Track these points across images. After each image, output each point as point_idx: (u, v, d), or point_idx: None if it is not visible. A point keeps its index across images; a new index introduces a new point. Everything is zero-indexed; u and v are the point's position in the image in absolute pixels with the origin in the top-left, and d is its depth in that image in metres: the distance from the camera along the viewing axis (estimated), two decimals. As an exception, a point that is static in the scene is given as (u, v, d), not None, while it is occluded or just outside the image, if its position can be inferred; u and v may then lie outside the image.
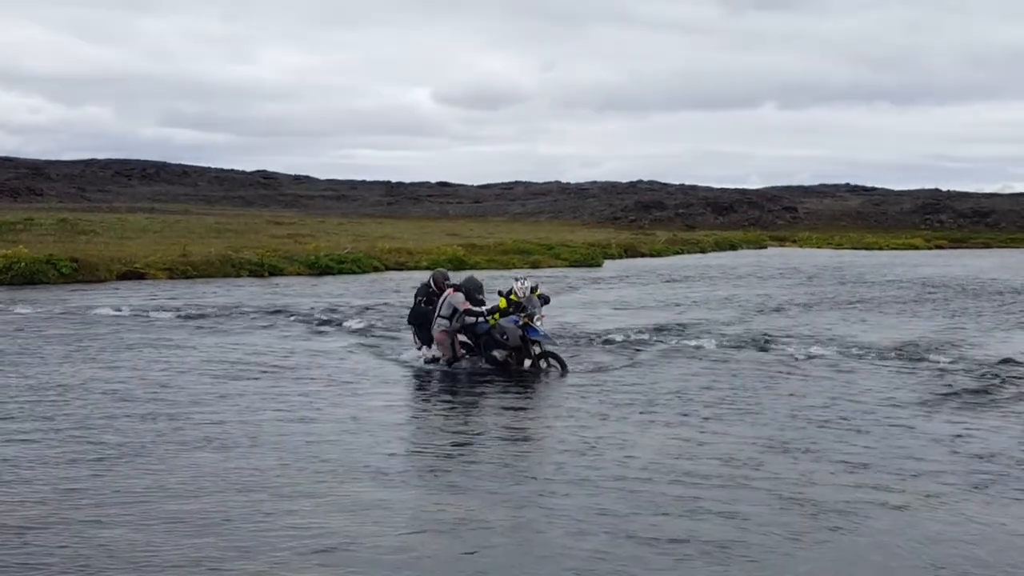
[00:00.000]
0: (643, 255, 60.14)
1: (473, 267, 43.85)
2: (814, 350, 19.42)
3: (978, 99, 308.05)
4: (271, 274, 37.04)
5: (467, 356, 16.90)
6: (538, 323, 16.65)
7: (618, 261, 54.31)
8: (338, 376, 15.90)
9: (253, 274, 36.56)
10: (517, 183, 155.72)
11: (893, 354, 19.05)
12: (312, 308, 25.74)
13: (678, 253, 64.30)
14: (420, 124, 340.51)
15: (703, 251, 68.36)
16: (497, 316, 16.65)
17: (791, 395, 14.86)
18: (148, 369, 16.03)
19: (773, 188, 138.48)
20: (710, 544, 8.23)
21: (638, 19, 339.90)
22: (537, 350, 16.62)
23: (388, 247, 46.68)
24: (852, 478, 10.23)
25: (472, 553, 7.99)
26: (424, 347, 17.31)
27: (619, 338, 20.62)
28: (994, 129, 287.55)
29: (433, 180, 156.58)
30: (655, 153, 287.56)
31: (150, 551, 7.80)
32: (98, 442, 11.06)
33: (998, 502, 9.61)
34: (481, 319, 16.72)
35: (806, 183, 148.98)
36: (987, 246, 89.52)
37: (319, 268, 39.11)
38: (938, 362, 18.09)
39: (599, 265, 49.67)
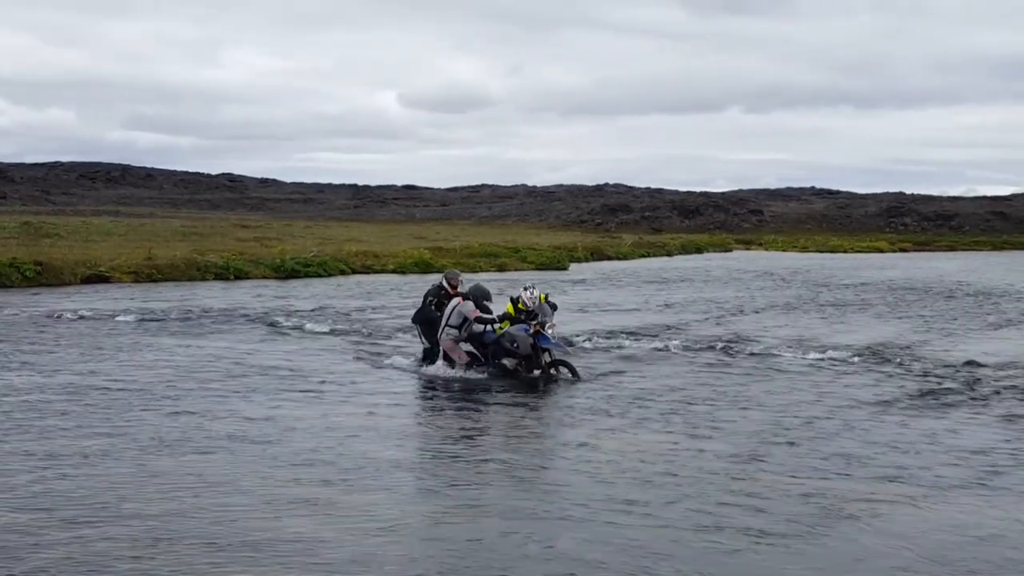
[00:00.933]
0: (609, 258, 60.25)
1: (440, 270, 43.70)
2: (788, 353, 19.54)
3: (941, 104, 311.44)
4: (237, 277, 36.79)
5: (473, 366, 16.36)
6: (549, 331, 16.27)
7: (584, 264, 54.39)
8: (339, 381, 15.81)
9: (219, 277, 36.32)
10: (483, 186, 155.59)
11: (862, 356, 19.18)
12: (281, 310, 25.62)
13: (644, 256, 64.45)
14: (386, 127, 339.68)
15: (669, 254, 68.56)
16: (505, 324, 16.32)
17: (768, 397, 14.91)
18: (117, 373, 15.90)
19: (739, 191, 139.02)
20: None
21: (605, 23, 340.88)
22: (548, 358, 16.24)
23: (355, 250, 46.52)
24: (822, 483, 10.30)
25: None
26: (431, 350, 16.94)
27: (588, 345, 20.35)
28: (957, 133, 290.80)
29: (399, 183, 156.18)
30: (621, 157, 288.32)
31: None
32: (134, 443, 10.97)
33: (963, 500, 9.69)
34: (490, 328, 16.35)
35: (771, 186, 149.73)
36: (951, 249, 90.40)
37: (285, 271, 38.92)
38: (904, 364, 18.28)
39: (565, 268, 49.73)
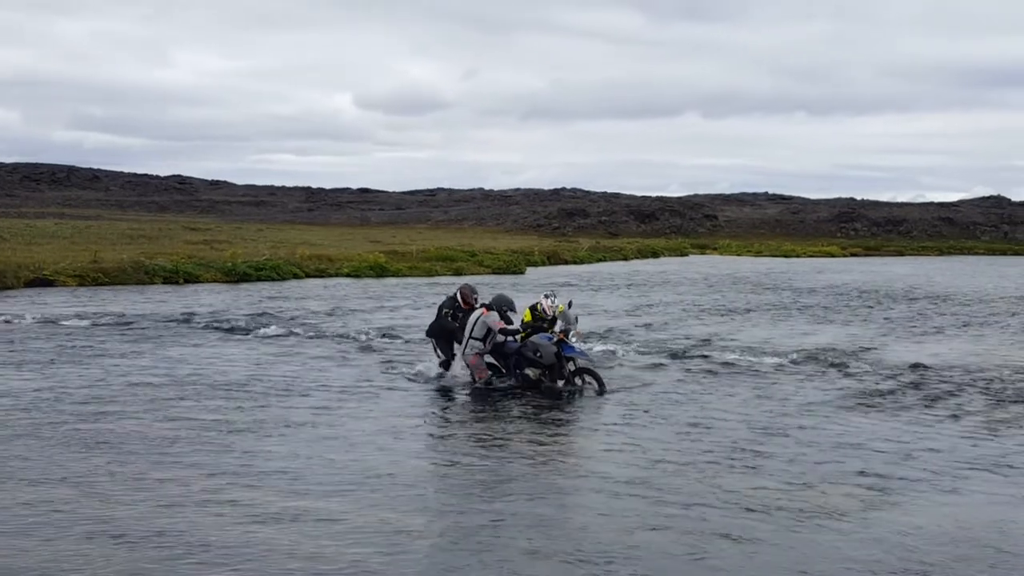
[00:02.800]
0: (566, 262, 60.04)
1: (395, 274, 43.27)
2: (744, 357, 19.57)
3: (893, 110, 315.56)
4: (187, 281, 35.95)
5: (493, 376, 15.77)
6: (573, 339, 15.63)
7: (541, 268, 54.07)
8: (356, 391, 15.22)
9: (168, 281, 35.46)
10: (440, 190, 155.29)
11: (817, 360, 19.43)
12: (247, 314, 24.91)
13: (601, 260, 64.30)
14: (341, 129, 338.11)
15: (626, 258, 68.46)
16: (525, 334, 15.70)
17: (725, 400, 14.67)
18: (69, 381, 15.17)
19: (694, 196, 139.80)
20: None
21: (563, 27, 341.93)
22: (572, 367, 15.60)
23: (308, 253, 45.78)
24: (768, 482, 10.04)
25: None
26: (448, 362, 16.40)
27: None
28: (908, 140, 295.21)
29: (354, 186, 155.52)
30: (578, 161, 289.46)
31: None
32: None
33: (918, 500, 9.68)
34: (511, 338, 15.72)
35: (726, 192, 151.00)
36: (900, 254, 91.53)
37: (237, 275, 38.11)
38: (855, 367, 18.64)
39: (522, 272, 49.38)
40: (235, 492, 9.52)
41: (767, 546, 8.38)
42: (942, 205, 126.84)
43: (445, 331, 16.48)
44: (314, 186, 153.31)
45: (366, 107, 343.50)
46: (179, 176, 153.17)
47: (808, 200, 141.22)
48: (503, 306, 15.96)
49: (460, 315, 16.37)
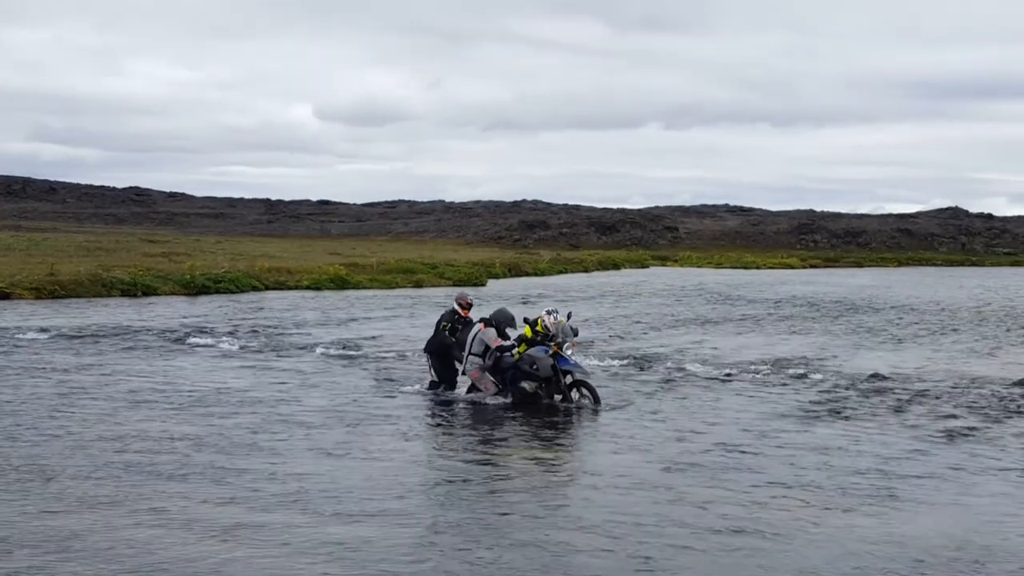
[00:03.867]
0: (527, 274, 59.99)
1: (356, 287, 43.02)
2: (700, 367, 19.71)
3: (853, 123, 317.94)
4: (145, 294, 35.54)
5: (498, 393, 15.56)
6: (569, 352, 15.44)
7: (502, 280, 53.99)
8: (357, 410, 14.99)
9: (125, 294, 35.01)
10: (400, 201, 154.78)
11: (774, 369, 19.67)
12: (196, 326, 24.61)
13: (562, 272, 64.33)
14: (301, 141, 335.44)
15: (587, 270, 68.55)
16: (523, 347, 15.44)
17: (681, 412, 14.65)
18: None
19: (655, 208, 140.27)
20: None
21: (525, 38, 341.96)
22: (568, 380, 15.40)
23: (267, 266, 45.41)
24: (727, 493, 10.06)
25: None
26: (440, 379, 16.16)
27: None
28: (867, 152, 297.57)
29: (314, 198, 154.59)
30: (539, 173, 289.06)
31: None
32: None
33: (871, 510, 9.72)
34: (507, 354, 15.47)
35: (687, 203, 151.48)
36: (859, 265, 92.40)
37: (195, 287, 37.72)
38: (813, 376, 18.84)
39: (483, 284, 49.27)
40: (205, 508, 9.35)
41: (706, 556, 8.37)
42: (900, 217, 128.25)
43: (443, 347, 16.16)
44: (273, 198, 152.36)
45: (326, 118, 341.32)
46: (136, 188, 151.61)
47: (768, 212, 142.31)
48: (502, 322, 15.69)
49: (460, 327, 16.10)
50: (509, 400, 15.40)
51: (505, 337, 15.65)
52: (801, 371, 19.53)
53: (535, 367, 15.18)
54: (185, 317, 28.29)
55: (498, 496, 10.15)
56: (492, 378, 15.61)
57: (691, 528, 9.10)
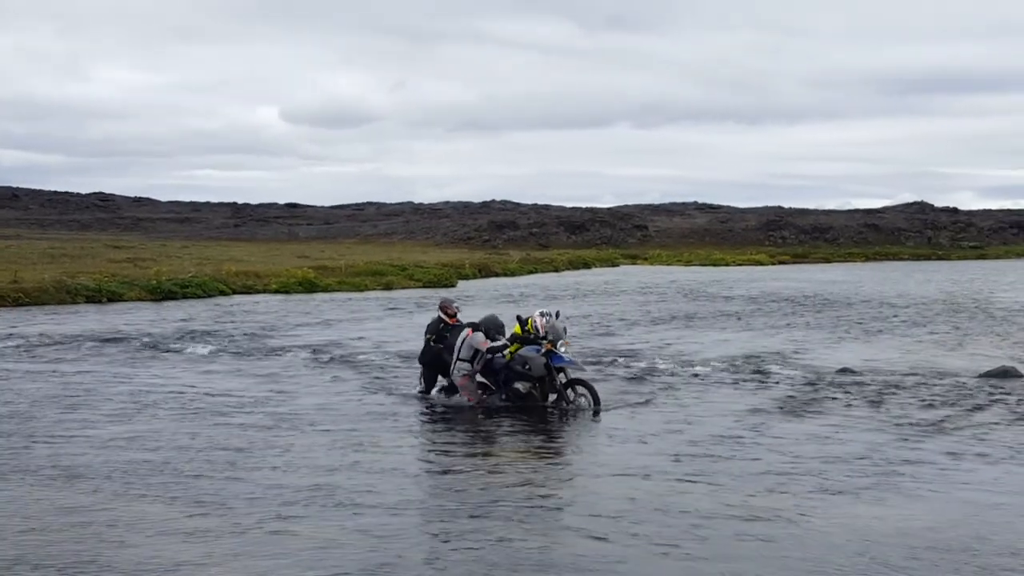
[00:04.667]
0: (497, 275, 59.79)
1: (325, 290, 42.69)
2: (670, 364, 19.74)
3: (820, 119, 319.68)
4: (110, 300, 35.09)
5: (486, 397, 15.29)
6: (562, 349, 15.09)
7: (472, 281, 53.78)
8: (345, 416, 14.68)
9: (91, 300, 34.57)
10: (369, 204, 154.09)
11: (742, 366, 19.78)
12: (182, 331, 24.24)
13: (532, 272, 64.18)
14: (267, 144, 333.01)
15: (557, 270, 68.45)
16: (515, 347, 15.13)
17: (652, 409, 14.55)
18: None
19: (624, 207, 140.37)
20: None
21: (492, 38, 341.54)
22: (563, 378, 15.07)
23: (234, 270, 44.98)
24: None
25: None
26: (428, 389, 15.94)
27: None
28: (834, 148, 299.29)
29: (282, 201, 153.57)
30: (508, 173, 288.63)
31: None
32: None
33: (846, 504, 9.65)
34: (499, 355, 15.19)
35: (656, 202, 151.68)
36: (827, 261, 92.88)
37: (162, 293, 37.28)
38: (784, 371, 19.03)
39: (453, 285, 49.07)
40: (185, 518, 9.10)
41: (683, 552, 8.38)
42: (868, 212, 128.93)
43: (435, 357, 15.86)
44: (240, 202, 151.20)
45: (292, 121, 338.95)
46: (101, 193, 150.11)
47: (736, 209, 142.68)
48: (491, 329, 15.41)
49: (448, 334, 15.79)
50: (497, 401, 15.14)
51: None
52: (781, 365, 19.75)
53: (528, 367, 14.91)
54: (152, 323, 27.91)
55: (493, 490, 10.02)
56: (478, 386, 15.32)
57: (701, 517, 9.24)
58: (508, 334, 15.59)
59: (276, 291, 41.27)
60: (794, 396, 16.16)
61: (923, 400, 15.73)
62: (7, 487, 10.16)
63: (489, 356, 15.27)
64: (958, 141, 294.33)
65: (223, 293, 39.56)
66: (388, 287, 45.83)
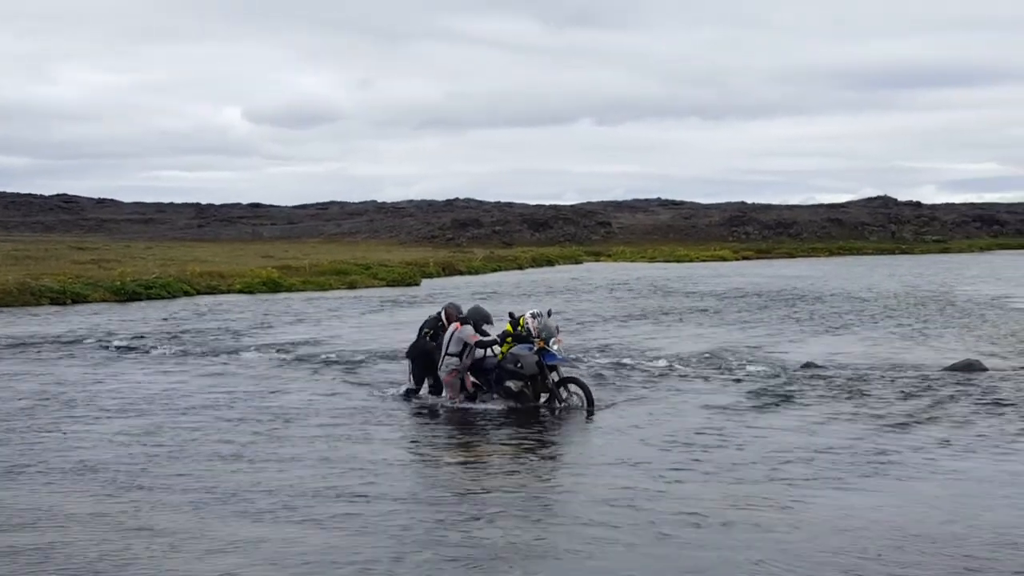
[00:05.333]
0: (461, 273, 59.86)
1: (289, 289, 42.73)
2: (636, 360, 19.96)
3: (783, 115, 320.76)
4: (74, 301, 34.99)
5: (477, 395, 15.20)
6: (554, 347, 14.99)
7: (436, 280, 53.90)
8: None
9: (54, 302, 34.44)
10: (332, 203, 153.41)
11: (709, 361, 20.06)
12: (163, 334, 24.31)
13: (496, 270, 64.29)
14: (231, 144, 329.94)
15: (520, 268, 68.61)
16: (506, 346, 15.04)
17: (624, 405, 14.82)
18: None
19: (588, 204, 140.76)
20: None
21: (456, 35, 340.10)
22: (555, 377, 15.00)
23: (199, 270, 44.92)
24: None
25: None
26: (419, 386, 15.93)
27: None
28: (798, 143, 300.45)
29: (245, 201, 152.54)
30: (472, 171, 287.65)
31: None
32: None
33: (818, 496, 9.83)
34: (491, 352, 15.11)
35: (619, 198, 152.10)
36: (790, 256, 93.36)
37: (126, 294, 37.22)
38: (748, 367, 19.19)
39: (417, 284, 49.19)
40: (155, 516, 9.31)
41: (661, 548, 8.49)
42: (831, 207, 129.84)
43: (424, 351, 15.84)
44: (204, 202, 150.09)
45: (256, 120, 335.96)
46: (64, 195, 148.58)
47: (700, 205, 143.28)
48: (478, 319, 15.39)
49: (441, 334, 15.72)
50: (490, 404, 15.07)
51: (483, 335, 15.33)
52: (752, 360, 20.06)
53: (519, 365, 14.82)
54: (116, 323, 27.92)
55: (484, 481, 10.22)
56: (464, 384, 15.26)
57: (692, 507, 9.47)
58: (495, 325, 15.61)
59: (240, 291, 41.26)
60: (767, 389, 16.39)
61: (897, 393, 15.97)
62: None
63: (481, 354, 15.20)
64: (922, 135, 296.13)
65: (187, 294, 39.47)
66: (352, 286, 45.88)
